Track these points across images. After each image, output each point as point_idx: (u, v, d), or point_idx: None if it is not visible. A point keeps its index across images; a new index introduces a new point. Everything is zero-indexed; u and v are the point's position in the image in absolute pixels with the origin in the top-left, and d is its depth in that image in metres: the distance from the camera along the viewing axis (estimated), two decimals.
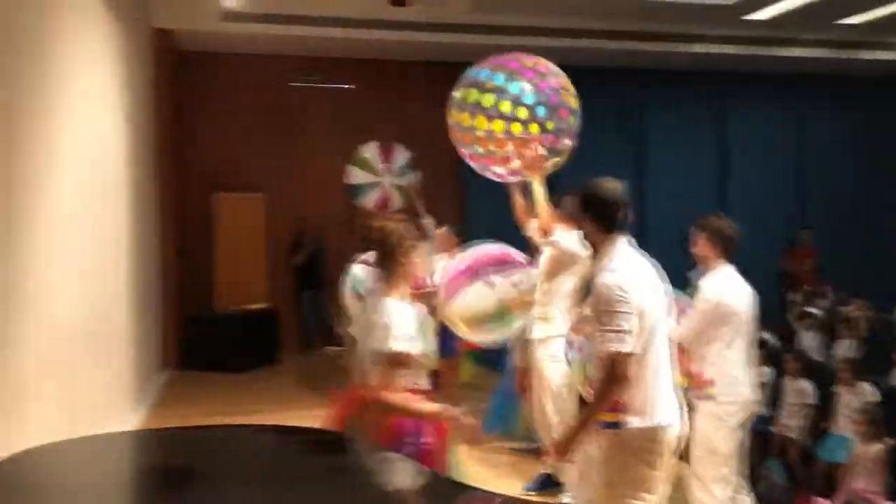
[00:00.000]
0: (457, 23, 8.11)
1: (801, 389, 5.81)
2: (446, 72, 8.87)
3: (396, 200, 8.07)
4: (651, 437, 2.83)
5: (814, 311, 7.81)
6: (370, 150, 8.12)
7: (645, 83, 9.70)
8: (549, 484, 4.87)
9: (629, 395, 2.78)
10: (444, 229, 6.26)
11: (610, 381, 2.75)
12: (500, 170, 4.19)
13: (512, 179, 4.33)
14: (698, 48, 8.94)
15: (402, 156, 8.13)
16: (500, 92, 3.97)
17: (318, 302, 9.08)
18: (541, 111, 3.98)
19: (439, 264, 5.77)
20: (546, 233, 4.26)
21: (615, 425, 2.81)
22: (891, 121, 10.43)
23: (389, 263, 2.94)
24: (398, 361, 2.77)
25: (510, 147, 4.00)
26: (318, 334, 9.13)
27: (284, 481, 2.26)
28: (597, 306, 2.80)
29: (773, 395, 6.03)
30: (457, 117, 4.14)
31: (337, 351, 9.01)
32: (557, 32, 8.22)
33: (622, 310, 2.74)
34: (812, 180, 10.39)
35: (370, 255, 4.07)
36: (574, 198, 4.36)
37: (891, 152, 10.45)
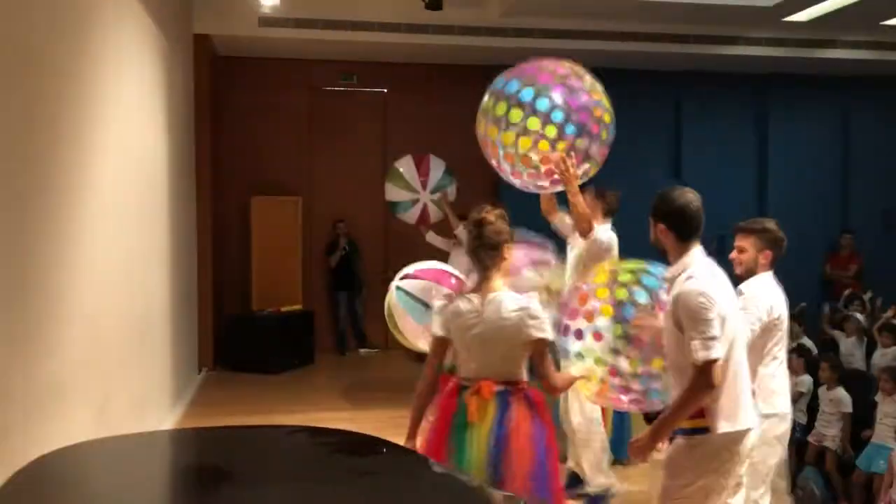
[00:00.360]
0: (491, 26, 8.11)
1: (837, 398, 5.71)
2: (479, 75, 8.98)
3: (435, 214, 8.05)
4: (736, 441, 2.87)
5: (856, 315, 7.66)
6: (405, 165, 8.00)
7: (682, 86, 9.59)
8: (576, 483, 4.91)
9: (717, 400, 2.82)
10: None
11: (699, 387, 2.77)
12: (525, 181, 4.18)
13: (537, 191, 4.36)
14: (738, 50, 8.81)
15: (437, 169, 8.04)
16: (528, 108, 3.90)
17: (353, 303, 9.16)
18: (570, 129, 3.92)
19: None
20: (586, 233, 4.39)
21: (702, 431, 2.84)
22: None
23: (496, 257, 3.07)
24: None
25: (536, 159, 3.99)
26: (351, 335, 9.21)
27: (317, 482, 2.28)
28: (684, 315, 2.81)
29: (810, 403, 5.96)
30: (485, 128, 4.10)
31: (370, 352, 9.09)
32: (591, 35, 8.18)
33: (709, 317, 2.77)
34: (856, 184, 10.17)
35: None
36: (592, 192, 4.61)
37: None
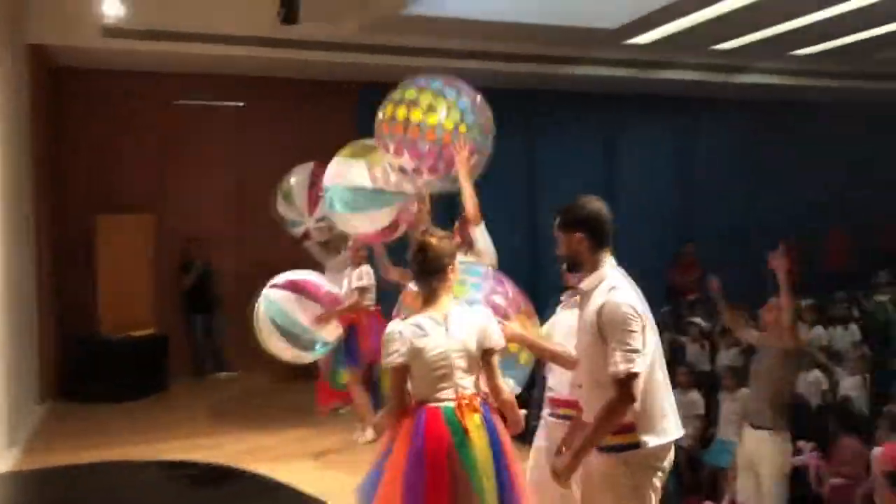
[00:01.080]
0: (349, 42, 8.08)
1: (691, 401, 6.06)
2: (343, 90, 8.96)
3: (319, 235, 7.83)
4: (664, 454, 2.82)
5: (697, 321, 8.19)
6: (299, 185, 7.36)
7: (536, 104, 9.93)
8: None
9: (643, 413, 2.74)
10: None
11: (621, 401, 2.69)
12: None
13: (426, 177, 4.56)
14: (585, 70, 9.24)
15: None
16: (438, 92, 4.47)
17: (209, 325, 8.82)
18: (469, 118, 4.49)
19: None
20: (477, 221, 4.46)
21: (630, 447, 2.75)
22: (765, 140, 11.08)
23: (442, 280, 3.04)
24: None
25: (439, 138, 4.40)
26: (209, 359, 8.86)
27: None
28: (609, 326, 2.73)
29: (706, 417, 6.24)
30: (390, 112, 4.53)
31: (230, 376, 8.77)
32: (448, 53, 8.31)
33: (634, 328, 2.71)
34: (696, 196, 10.90)
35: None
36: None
37: (767, 169, 11.09)
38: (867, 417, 5.75)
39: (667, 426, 2.81)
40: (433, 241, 3.06)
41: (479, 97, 4.69)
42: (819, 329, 8.34)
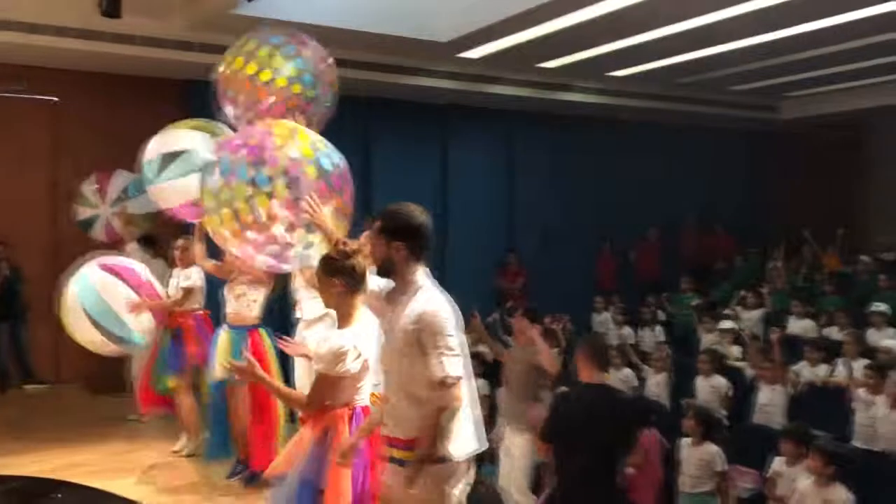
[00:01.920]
0: (174, 39, 7.79)
1: None
2: (168, 88, 8.59)
3: (120, 227, 7.54)
4: (466, 465, 2.86)
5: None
6: (89, 184, 7.58)
7: (368, 111, 9.99)
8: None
9: (450, 424, 2.74)
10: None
11: (448, 404, 2.69)
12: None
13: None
14: (419, 81, 9.44)
15: (119, 183, 7.56)
16: (275, 48, 4.38)
17: (16, 334, 8.16)
18: (307, 78, 4.39)
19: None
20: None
21: (431, 460, 2.75)
22: (587, 155, 11.79)
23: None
24: None
25: (271, 100, 4.26)
26: (15, 370, 8.19)
27: None
28: (426, 333, 2.74)
29: (490, 406, 6.55)
30: (229, 61, 4.42)
31: (38, 388, 8.15)
32: None
33: (451, 333, 2.74)
34: (521, 206, 11.41)
35: None
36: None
37: (587, 183, 11.81)
38: (668, 412, 6.29)
39: (468, 437, 2.83)
40: (361, 256, 3.13)
41: (323, 52, 4.70)
42: (627, 329, 9.01)
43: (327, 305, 3.23)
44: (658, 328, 9.03)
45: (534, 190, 11.44)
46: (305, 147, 3.81)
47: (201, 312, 5.97)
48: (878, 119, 12.87)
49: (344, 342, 3.00)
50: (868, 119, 12.92)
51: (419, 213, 2.99)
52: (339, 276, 3.07)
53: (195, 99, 8.68)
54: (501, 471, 5.38)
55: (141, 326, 5.36)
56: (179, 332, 5.86)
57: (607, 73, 10.37)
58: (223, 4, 7.02)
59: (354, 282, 3.07)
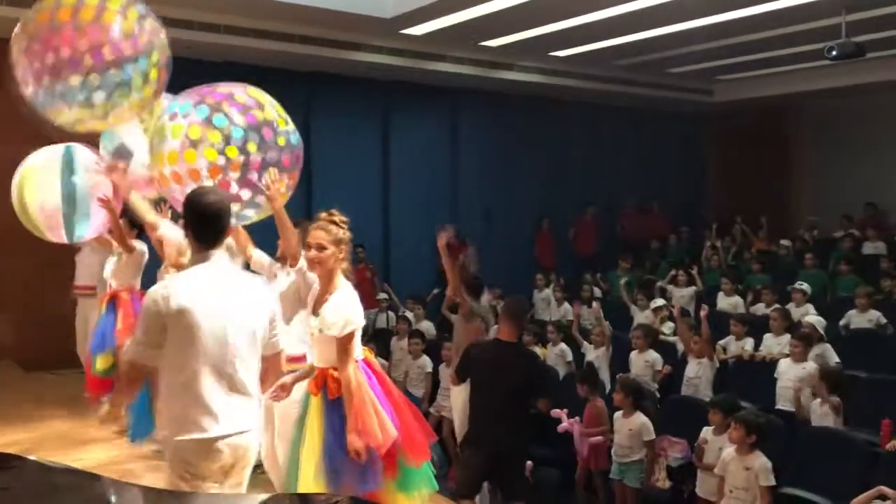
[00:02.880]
0: None
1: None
2: None
3: None
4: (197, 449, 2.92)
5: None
6: None
7: (314, 86, 9.92)
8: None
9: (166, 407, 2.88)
10: None
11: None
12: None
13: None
14: (362, 56, 9.39)
15: None
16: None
17: None
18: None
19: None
20: (296, 260, 4.06)
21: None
22: (530, 134, 11.94)
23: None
24: None
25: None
26: None
27: None
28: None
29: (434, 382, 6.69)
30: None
31: None
32: (226, 29, 8.09)
33: (147, 320, 2.78)
34: (464, 183, 11.50)
35: None
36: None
37: (529, 162, 11.98)
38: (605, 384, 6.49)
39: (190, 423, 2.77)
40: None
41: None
42: (566, 306, 9.22)
43: (324, 269, 3.47)
44: (595, 304, 9.26)
45: (477, 168, 11.55)
46: (280, 117, 3.96)
47: (139, 291, 5.86)
48: (806, 103, 13.37)
49: (346, 304, 3.40)
50: (797, 103, 13.39)
51: (207, 195, 2.93)
52: (342, 245, 3.47)
53: None
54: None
55: (93, 223, 5.32)
56: (114, 307, 5.78)
57: (549, 53, 10.49)
58: None
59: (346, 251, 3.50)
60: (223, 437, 2.77)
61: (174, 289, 2.79)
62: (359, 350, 3.49)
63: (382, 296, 9.34)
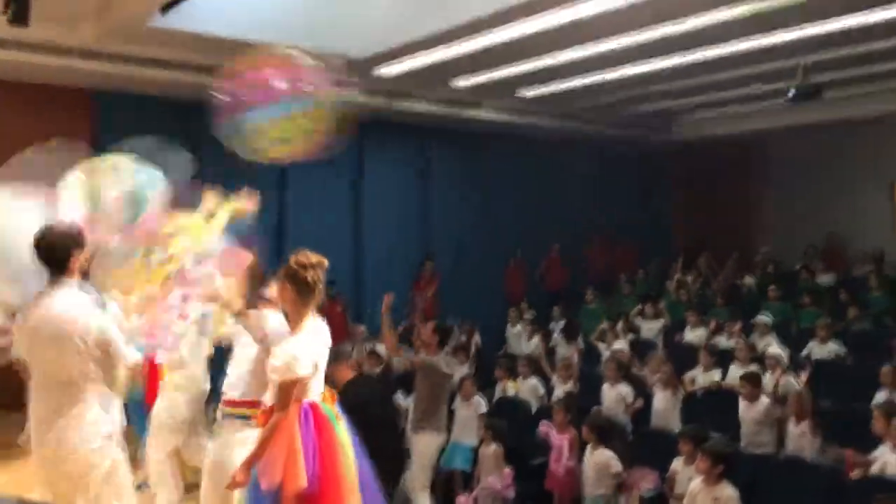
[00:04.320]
0: (81, 48, 7.65)
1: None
2: (70, 96, 8.36)
3: None
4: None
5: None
6: None
7: None
8: None
9: None
10: None
11: None
12: None
13: None
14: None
15: None
16: None
17: None
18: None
19: None
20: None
21: None
22: (500, 172, 12.14)
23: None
24: None
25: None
26: None
27: None
28: None
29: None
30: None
31: None
32: (192, 67, 8.13)
33: None
34: (437, 221, 11.62)
35: None
36: None
37: (500, 199, 12.15)
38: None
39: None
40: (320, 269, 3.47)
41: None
42: (536, 339, 9.32)
43: (283, 310, 3.57)
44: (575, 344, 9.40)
45: (448, 204, 11.69)
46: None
47: None
48: (767, 140, 13.77)
49: (293, 349, 3.33)
50: (758, 139, 13.78)
51: (58, 229, 3.52)
52: (291, 283, 3.41)
53: (106, 109, 8.62)
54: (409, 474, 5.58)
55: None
56: None
57: (517, 94, 10.73)
58: (140, 14, 6.94)
59: (306, 291, 3.40)
60: None
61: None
62: (314, 393, 3.43)
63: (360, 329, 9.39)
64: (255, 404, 3.86)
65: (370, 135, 10.80)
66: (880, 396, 6.06)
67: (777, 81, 9.75)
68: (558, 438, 5.69)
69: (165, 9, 6.59)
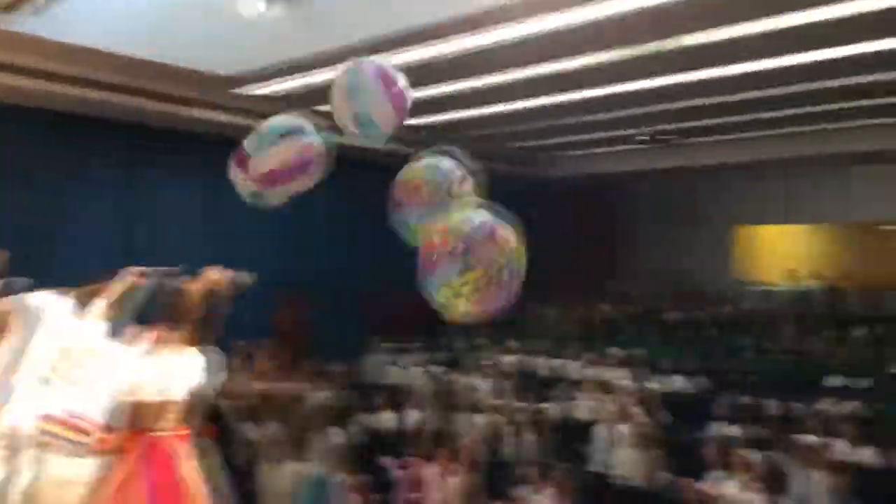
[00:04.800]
0: None
1: None
2: None
3: None
4: None
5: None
6: None
7: (134, 139, 9.49)
8: None
9: None
10: None
11: None
12: None
13: None
14: (193, 113, 9.16)
15: None
16: None
17: None
18: None
19: None
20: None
21: None
22: (374, 204, 11.96)
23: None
24: None
25: None
26: None
27: None
28: None
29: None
30: None
31: None
32: (48, 76, 7.66)
33: None
34: (301, 249, 11.35)
35: None
36: None
37: (368, 230, 11.99)
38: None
39: None
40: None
41: None
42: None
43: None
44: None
45: (320, 233, 11.43)
46: None
47: None
48: (630, 181, 14.43)
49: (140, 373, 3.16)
50: (623, 180, 14.39)
51: None
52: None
53: None
54: None
55: None
56: None
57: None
58: None
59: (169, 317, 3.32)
60: None
61: None
62: (168, 423, 3.20)
63: None
64: None
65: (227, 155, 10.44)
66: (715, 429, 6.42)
67: (638, 126, 10.17)
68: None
69: None
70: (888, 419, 6.87)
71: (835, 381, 7.95)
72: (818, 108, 9.26)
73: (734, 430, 6.35)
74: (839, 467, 5.28)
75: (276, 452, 5.36)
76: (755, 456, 5.34)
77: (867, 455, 5.88)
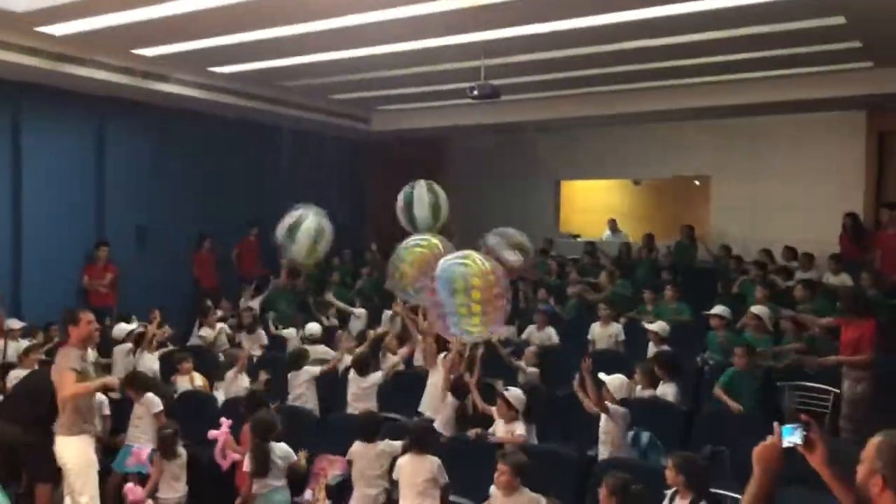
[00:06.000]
0: None
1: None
2: None
3: None
4: None
5: (134, 327, 8.09)
6: None
7: None
8: None
9: None
10: None
11: None
12: None
13: None
14: None
15: None
16: None
17: None
18: None
19: None
20: None
21: None
22: (189, 150, 11.38)
23: None
24: None
25: None
26: None
27: None
28: None
29: None
30: None
31: None
32: None
33: None
34: (111, 198, 10.57)
35: None
36: None
37: (188, 179, 11.40)
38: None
39: None
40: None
41: None
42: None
43: None
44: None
45: (128, 182, 10.73)
46: None
47: None
48: (455, 136, 14.61)
49: None
50: (446, 136, 14.56)
51: None
52: None
53: None
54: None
55: None
56: None
57: (209, 69, 10.11)
58: None
59: None
60: None
61: None
62: None
63: (18, 324, 8.17)
64: None
65: (32, 99, 9.53)
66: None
67: (463, 81, 10.23)
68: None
69: None
70: None
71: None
72: (636, 68, 9.72)
73: None
74: None
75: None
76: None
77: None
